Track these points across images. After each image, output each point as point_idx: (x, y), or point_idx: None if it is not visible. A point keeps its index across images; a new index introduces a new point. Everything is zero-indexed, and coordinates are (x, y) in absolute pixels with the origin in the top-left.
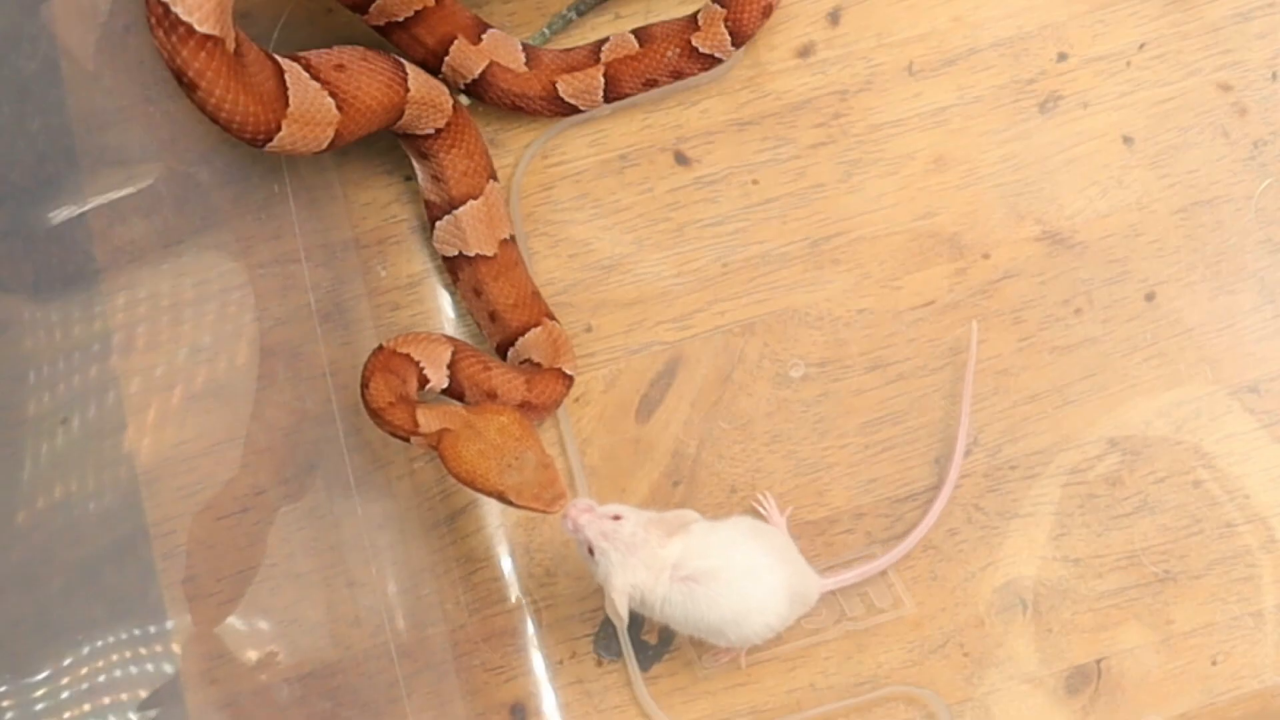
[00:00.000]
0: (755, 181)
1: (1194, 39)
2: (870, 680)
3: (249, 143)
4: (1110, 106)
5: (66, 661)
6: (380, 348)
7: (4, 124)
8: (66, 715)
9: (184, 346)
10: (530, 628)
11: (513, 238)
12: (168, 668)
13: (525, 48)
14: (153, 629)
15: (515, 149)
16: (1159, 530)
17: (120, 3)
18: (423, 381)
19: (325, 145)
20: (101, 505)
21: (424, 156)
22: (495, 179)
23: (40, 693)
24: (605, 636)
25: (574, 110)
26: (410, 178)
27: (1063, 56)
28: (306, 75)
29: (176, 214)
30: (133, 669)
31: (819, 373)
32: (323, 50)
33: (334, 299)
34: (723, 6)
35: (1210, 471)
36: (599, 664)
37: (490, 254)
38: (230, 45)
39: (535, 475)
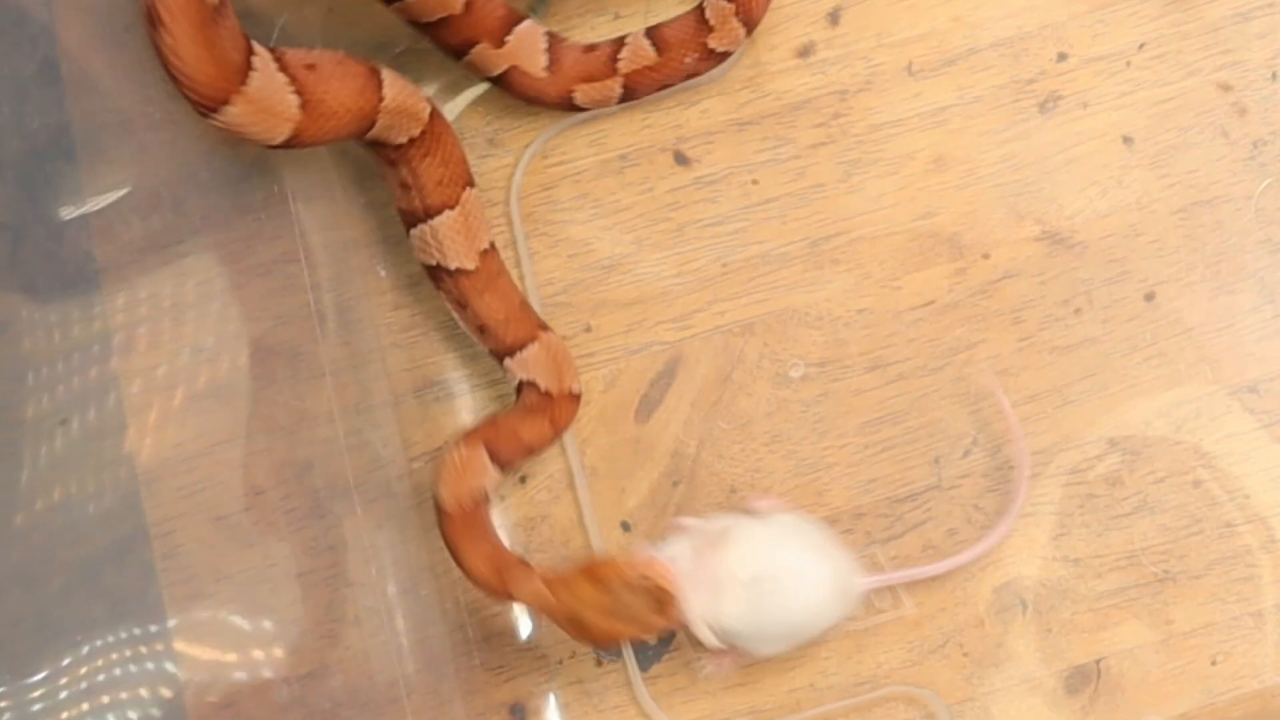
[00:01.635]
0: (755, 181)
1: (1194, 39)
2: (870, 680)
3: (196, 106)
4: (1110, 106)
5: (66, 661)
6: (443, 511)
7: (4, 124)
8: (66, 715)
9: (185, 347)
10: (530, 628)
11: (493, 245)
12: (168, 668)
13: (549, 45)
14: (153, 629)
15: (515, 149)
16: (1159, 530)
17: (120, 3)
18: (488, 496)
19: (280, 140)
20: (101, 506)
21: (393, 164)
22: (473, 185)
23: (40, 693)
24: None
25: (584, 110)
26: None
27: (1063, 56)
28: (274, 65)
29: (176, 214)
30: (133, 669)
31: (819, 373)
32: (299, 49)
33: (334, 299)
34: (729, 1)
35: (1210, 471)
36: (599, 664)
37: (471, 267)
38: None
39: (643, 604)
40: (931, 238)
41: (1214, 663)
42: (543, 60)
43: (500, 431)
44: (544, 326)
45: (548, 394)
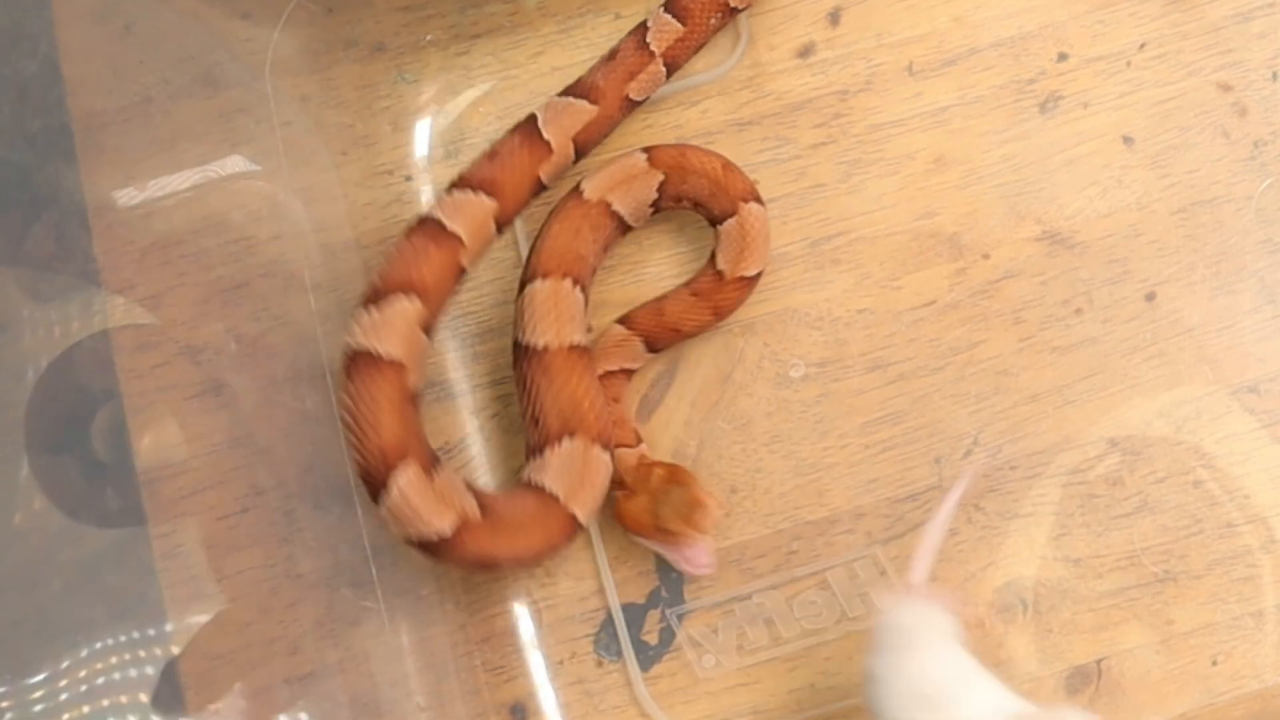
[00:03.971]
0: (755, 181)
1: (1194, 39)
2: None
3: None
4: (1110, 106)
5: (66, 662)
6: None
7: (4, 124)
8: (66, 716)
9: (184, 346)
10: (530, 628)
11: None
12: (168, 668)
13: (579, 90)
14: (152, 630)
15: None
16: (1159, 530)
17: (120, 3)
18: (631, 375)
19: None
20: (101, 505)
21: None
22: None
23: (40, 693)
24: (605, 636)
25: (643, 102)
26: (410, 178)
27: (1063, 56)
28: (474, 499)
29: (176, 214)
30: (132, 670)
31: (819, 373)
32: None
33: (334, 299)
34: None
35: (1210, 471)
36: (599, 664)
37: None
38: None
39: (677, 506)
40: (932, 238)
41: (1214, 663)
42: (582, 104)
43: (662, 322)
44: (747, 198)
45: (719, 275)
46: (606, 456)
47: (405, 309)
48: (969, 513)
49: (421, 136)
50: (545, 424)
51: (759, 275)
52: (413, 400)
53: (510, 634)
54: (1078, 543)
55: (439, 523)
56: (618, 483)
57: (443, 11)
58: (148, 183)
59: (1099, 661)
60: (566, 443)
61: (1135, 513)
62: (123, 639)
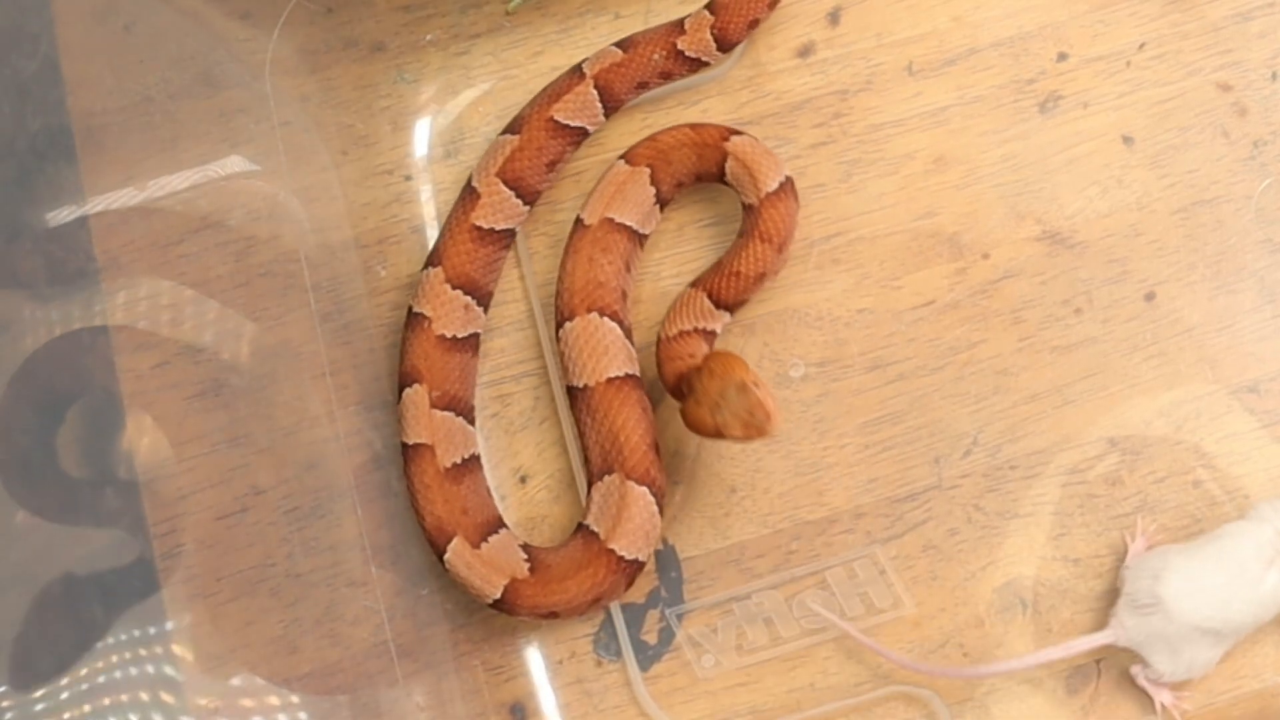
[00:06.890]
0: None
1: (1194, 39)
2: (870, 680)
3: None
4: (1110, 106)
5: (67, 662)
6: (658, 340)
7: (4, 124)
8: (66, 716)
9: (184, 346)
10: (530, 628)
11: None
12: (168, 668)
13: (503, 151)
14: (152, 629)
15: None
16: (1159, 530)
17: (120, 3)
18: (712, 336)
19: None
20: (101, 505)
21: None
22: (581, 219)
23: (40, 693)
24: (605, 636)
25: (584, 134)
26: (410, 177)
27: (1063, 56)
28: (523, 556)
29: (176, 214)
30: (132, 669)
31: (819, 373)
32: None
33: (334, 299)
34: (711, 14)
35: (1210, 471)
36: (598, 664)
37: None
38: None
39: (739, 403)
40: (931, 238)
41: None
42: (511, 136)
43: (720, 274)
44: (726, 136)
45: (750, 207)
46: (643, 491)
47: (411, 396)
48: (969, 513)
49: (421, 136)
50: (591, 461)
51: (787, 184)
52: (456, 473)
53: (510, 634)
54: (1078, 543)
55: (488, 589)
56: (686, 391)
57: (443, 11)
58: (148, 183)
59: (1099, 662)
60: (606, 479)
61: (1135, 513)
62: (123, 639)
